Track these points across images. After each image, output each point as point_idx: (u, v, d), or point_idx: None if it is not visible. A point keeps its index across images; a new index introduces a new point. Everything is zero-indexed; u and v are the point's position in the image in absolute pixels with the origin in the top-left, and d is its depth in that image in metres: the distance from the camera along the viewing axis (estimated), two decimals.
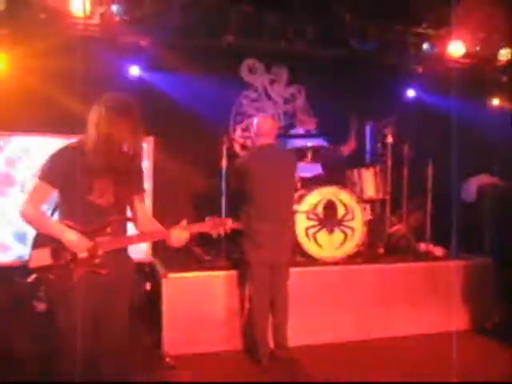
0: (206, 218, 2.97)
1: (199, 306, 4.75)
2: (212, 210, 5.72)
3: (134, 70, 6.30)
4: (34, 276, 2.86)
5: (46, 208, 2.87)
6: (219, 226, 2.96)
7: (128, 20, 5.87)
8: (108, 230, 2.80)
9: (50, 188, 2.77)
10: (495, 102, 7.66)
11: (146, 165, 4.79)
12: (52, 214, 2.87)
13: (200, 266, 5.10)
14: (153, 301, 5.03)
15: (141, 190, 3.03)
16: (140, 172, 3.00)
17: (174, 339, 4.66)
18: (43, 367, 3.14)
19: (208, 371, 4.37)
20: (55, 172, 2.75)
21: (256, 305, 4.51)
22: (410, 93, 7.61)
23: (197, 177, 6.25)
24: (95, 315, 2.83)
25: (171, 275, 4.71)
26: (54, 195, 2.80)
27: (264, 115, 6.31)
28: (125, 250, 2.95)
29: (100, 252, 2.76)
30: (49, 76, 5.63)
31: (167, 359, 4.47)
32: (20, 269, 4.92)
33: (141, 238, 3.01)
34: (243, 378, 4.32)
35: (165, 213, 5.50)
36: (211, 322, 4.78)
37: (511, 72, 7.25)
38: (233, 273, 4.88)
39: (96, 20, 5.77)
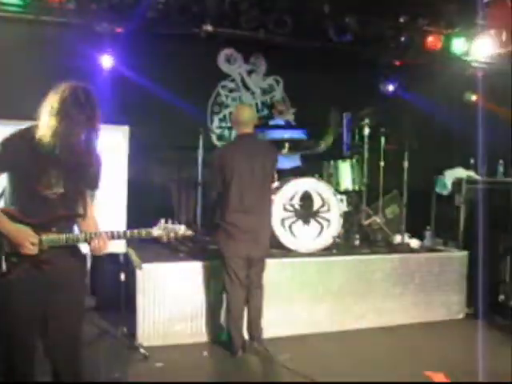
0: (158, 223, 2.79)
1: (174, 296, 4.71)
2: (188, 201, 5.74)
3: (109, 60, 6.16)
4: None
5: None
6: (170, 232, 2.79)
7: (105, 7, 5.79)
8: (55, 224, 2.69)
9: None
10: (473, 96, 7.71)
11: (121, 156, 4.72)
12: None
13: (175, 256, 5.06)
14: (127, 291, 4.98)
15: (93, 186, 2.85)
16: (94, 166, 2.78)
17: (149, 330, 4.63)
18: None
19: (181, 363, 4.34)
20: (4, 157, 2.63)
21: (231, 297, 4.49)
22: (388, 85, 7.61)
23: (173, 168, 6.18)
24: (42, 312, 2.71)
25: (146, 265, 4.67)
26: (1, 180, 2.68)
27: (242, 104, 6.26)
28: (73, 245, 2.80)
29: (45, 247, 2.64)
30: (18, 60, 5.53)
31: (141, 350, 4.44)
32: None
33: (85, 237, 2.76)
34: (216, 369, 4.31)
35: (140, 206, 5.52)
36: (186, 313, 4.75)
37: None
38: (208, 263, 4.85)
39: (72, 5, 5.68)
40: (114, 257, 4.81)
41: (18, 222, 2.62)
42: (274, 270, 4.91)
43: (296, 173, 5.69)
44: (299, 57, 6.82)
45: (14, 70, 5.56)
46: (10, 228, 2.60)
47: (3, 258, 2.60)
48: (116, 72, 6.15)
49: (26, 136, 2.63)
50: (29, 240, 2.61)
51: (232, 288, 4.47)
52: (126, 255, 5.10)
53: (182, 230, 2.82)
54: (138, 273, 4.64)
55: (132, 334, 4.66)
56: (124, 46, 6.05)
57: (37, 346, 2.75)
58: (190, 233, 2.87)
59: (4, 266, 2.60)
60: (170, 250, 5.28)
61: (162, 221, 2.80)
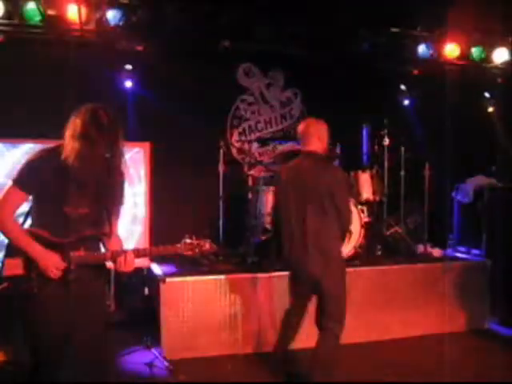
0: (183, 240, 2.86)
1: (197, 309, 4.76)
2: (212, 216, 5.76)
3: (129, 78, 6.22)
4: (4, 285, 2.73)
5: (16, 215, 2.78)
6: (195, 248, 2.85)
7: (124, 26, 5.89)
8: (82, 244, 2.76)
9: (25, 194, 2.71)
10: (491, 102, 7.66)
11: (142, 172, 4.80)
12: (24, 221, 2.82)
13: (198, 270, 5.11)
14: (151, 305, 5.04)
15: (117, 203, 2.90)
16: (118, 185, 2.86)
17: (173, 343, 4.67)
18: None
19: (206, 376, 4.38)
20: (31, 178, 2.69)
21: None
22: (405, 96, 7.59)
23: (194, 183, 6.23)
24: (67, 327, 2.76)
25: (169, 280, 4.73)
26: (28, 202, 2.75)
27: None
28: (99, 264, 2.87)
29: (72, 267, 2.72)
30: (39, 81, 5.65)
31: (166, 364, 4.48)
32: None
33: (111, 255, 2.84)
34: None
35: (163, 220, 5.58)
36: (209, 325, 4.79)
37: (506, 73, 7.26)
38: (231, 277, 4.89)
39: (92, 25, 5.80)
40: (138, 271, 4.89)
41: (47, 242, 2.70)
42: None
43: None
44: (317, 69, 6.86)
45: (34, 92, 5.67)
46: (38, 253, 2.67)
47: (34, 278, 2.68)
48: (136, 90, 6.25)
49: (51, 157, 2.71)
50: (55, 266, 2.69)
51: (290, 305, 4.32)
52: (149, 269, 5.18)
53: (206, 245, 2.88)
54: (162, 286, 4.69)
55: (156, 346, 4.71)
56: (144, 64, 6.15)
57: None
58: (214, 248, 2.92)
59: (35, 287, 2.68)
60: (193, 264, 5.32)
61: (187, 236, 2.86)
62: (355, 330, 5.14)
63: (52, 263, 2.69)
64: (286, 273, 4.91)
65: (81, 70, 5.49)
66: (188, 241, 2.85)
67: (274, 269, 5.07)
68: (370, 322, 5.23)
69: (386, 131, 6.22)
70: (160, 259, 5.18)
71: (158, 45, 6.09)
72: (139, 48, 6.16)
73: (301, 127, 4.20)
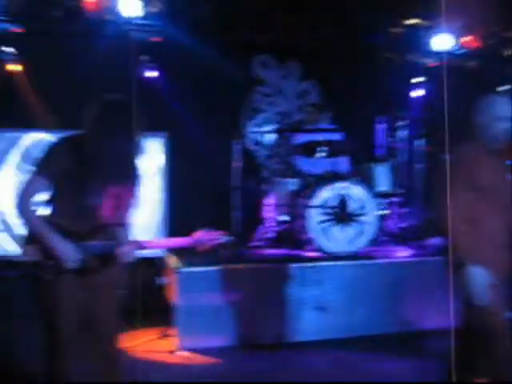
0: (197, 231, 2.87)
1: (211, 299, 4.76)
2: (227, 207, 5.76)
3: (146, 69, 6.27)
4: (24, 272, 2.83)
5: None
6: (209, 240, 2.87)
7: (141, 17, 5.90)
8: (99, 233, 2.78)
9: (45, 182, 2.71)
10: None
11: (158, 162, 4.81)
12: (43, 209, 2.81)
13: (213, 260, 5.12)
14: (165, 295, 5.07)
15: (133, 194, 2.92)
16: (135, 174, 2.89)
17: (187, 334, 4.69)
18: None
19: (218, 367, 4.38)
20: (51, 166, 2.70)
21: None
22: (421, 87, 7.50)
23: (210, 174, 6.24)
24: (82, 315, 2.82)
25: (183, 269, 4.74)
26: (47, 190, 2.76)
27: None
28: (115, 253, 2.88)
29: (89, 256, 2.74)
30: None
31: (179, 353, 4.50)
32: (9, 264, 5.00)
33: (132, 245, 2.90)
34: (254, 372, 4.33)
35: (178, 211, 5.60)
36: (225, 316, 4.80)
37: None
38: (247, 267, 4.89)
39: (108, 15, 5.82)
40: (152, 261, 4.91)
41: (65, 231, 2.71)
42: (310, 272, 4.94)
43: (334, 175, 5.67)
44: (334, 59, 6.81)
45: (54, 82, 5.73)
46: (56, 242, 2.68)
47: (51, 266, 2.69)
48: (154, 80, 6.27)
49: (71, 146, 2.73)
50: (72, 256, 2.71)
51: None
52: (164, 259, 5.20)
53: (221, 237, 2.89)
54: (177, 277, 4.71)
55: (171, 337, 4.74)
56: (161, 54, 6.16)
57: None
58: (229, 240, 2.93)
59: (51, 274, 2.70)
60: (208, 254, 5.32)
61: (201, 228, 2.87)
62: (371, 322, 5.13)
63: (69, 254, 2.72)
64: (301, 264, 4.98)
65: (100, 60, 5.53)
66: (202, 233, 2.87)
67: (289, 260, 5.07)
68: (385, 315, 5.17)
69: (403, 122, 6.16)
70: (175, 249, 5.20)
71: (175, 35, 6.09)
72: (156, 39, 6.18)
73: None
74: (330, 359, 4.49)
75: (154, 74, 6.29)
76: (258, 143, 6.72)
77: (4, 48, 5.79)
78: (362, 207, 5.42)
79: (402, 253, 5.63)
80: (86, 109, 2.71)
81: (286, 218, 5.69)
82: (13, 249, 5.49)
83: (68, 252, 2.70)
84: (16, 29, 5.89)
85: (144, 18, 5.86)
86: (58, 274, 2.71)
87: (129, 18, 5.78)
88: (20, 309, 4.25)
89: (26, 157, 5.54)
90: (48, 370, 2.85)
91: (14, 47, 5.90)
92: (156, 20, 6.01)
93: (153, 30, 6.15)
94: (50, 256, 2.69)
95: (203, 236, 2.86)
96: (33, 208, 2.74)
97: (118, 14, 5.77)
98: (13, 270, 4.99)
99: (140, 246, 2.87)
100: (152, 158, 4.66)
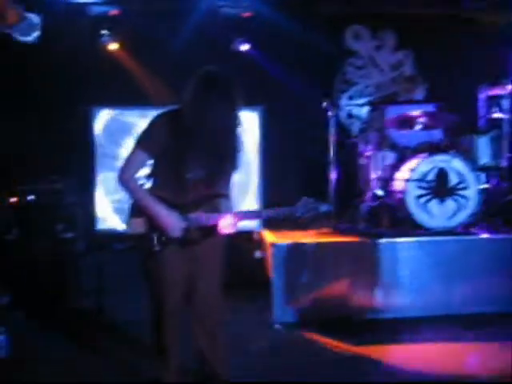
0: (300, 201, 2.82)
1: (308, 274, 4.76)
2: (321, 181, 5.73)
3: (242, 43, 6.32)
4: (129, 243, 2.92)
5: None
6: (311, 209, 2.81)
7: None
8: (200, 205, 2.82)
9: (147, 157, 2.78)
10: None
11: (255, 137, 4.83)
12: (146, 183, 2.90)
13: (308, 235, 5.11)
14: (263, 269, 5.11)
15: (234, 167, 2.91)
16: (235, 148, 2.85)
17: (283, 308, 4.72)
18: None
19: (314, 338, 4.38)
20: (153, 141, 2.76)
21: None
22: None
23: (304, 147, 6.20)
24: (188, 284, 2.90)
25: (280, 243, 4.76)
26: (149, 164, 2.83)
27: None
28: (215, 224, 2.91)
29: (192, 227, 2.80)
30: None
31: (276, 326, 4.54)
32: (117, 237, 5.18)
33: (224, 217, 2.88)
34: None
35: (272, 185, 5.62)
36: (323, 291, 4.78)
37: None
38: (344, 242, 4.85)
39: None
40: (248, 234, 4.97)
41: (169, 204, 2.78)
42: (408, 248, 4.82)
43: (431, 148, 5.46)
44: (430, 28, 6.52)
45: (158, 59, 5.89)
46: (161, 213, 2.76)
47: (155, 237, 2.79)
48: (248, 54, 6.29)
49: (172, 120, 2.77)
50: (177, 225, 2.78)
51: None
52: (260, 233, 5.25)
53: (324, 206, 2.85)
54: (273, 251, 4.74)
55: (267, 311, 4.77)
56: (256, 29, 6.17)
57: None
58: (331, 208, 2.90)
59: (156, 245, 2.79)
60: (305, 228, 5.32)
61: (304, 198, 2.85)
62: (471, 301, 4.95)
63: (174, 222, 2.78)
64: (398, 239, 4.87)
65: (198, 35, 5.63)
66: (305, 202, 2.84)
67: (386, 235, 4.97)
68: (484, 293, 4.95)
69: (505, 92, 5.81)
70: (270, 224, 5.24)
71: (268, 9, 6.07)
72: (248, 14, 6.19)
73: None
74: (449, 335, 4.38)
75: (246, 47, 6.30)
76: (351, 116, 6.59)
77: (103, 31, 6.01)
78: (463, 181, 5.19)
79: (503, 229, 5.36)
80: (187, 82, 2.73)
81: (382, 192, 5.56)
82: (118, 222, 5.75)
83: (173, 222, 2.77)
84: (113, 11, 6.12)
85: None
86: (164, 245, 2.79)
87: None
88: (128, 282, 4.45)
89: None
90: (155, 342, 2.96)
91: (111, 29, 6.09)
92: None
93: (243, 6, 6.17)
94: (155, 227, 2.78)
95: (306, 204, 2.83)
96: (137, 181, 2.83)
97: None
98: (120, 243, 5.23)
99: (242, 217, 2.89)
100: (249, 131, 4.67)
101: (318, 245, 4.85)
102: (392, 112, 5.90)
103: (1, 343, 3.87)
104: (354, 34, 6.92)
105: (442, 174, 5.17)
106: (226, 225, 2.83)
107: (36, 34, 5.66)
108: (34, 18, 5.57)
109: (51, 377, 3.66)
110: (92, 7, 5.92)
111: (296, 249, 4.79)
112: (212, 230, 2.89)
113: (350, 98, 6.90)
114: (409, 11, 6.40)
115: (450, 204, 5.18)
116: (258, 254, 4.77)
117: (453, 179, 5.18)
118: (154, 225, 2.77)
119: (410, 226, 5.16)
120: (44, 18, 5.57)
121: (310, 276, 4.76)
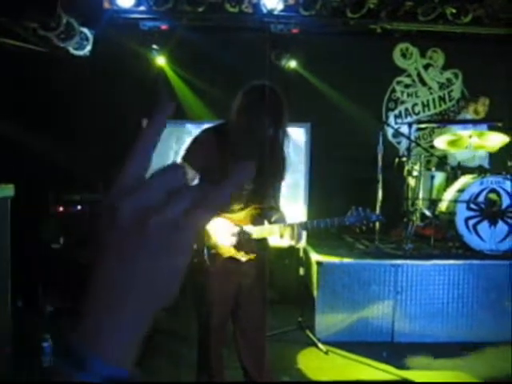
0: (351, 210, 2.82)
1: (352, 292, 4.68)
2: (368, 199, 5.66)
3: (288, 60, 6.32)
4: None
5: None
6: (363, 219, 2.80)
7: (280, 9, 5.94)
8: (249, 218, 2.80)
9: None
10: None
11: (302, 152, 4.82)
12: None
13: (352, 253, 5.04)
14: (306, 286, 5.05)
15: (280, 179, 2.94)
16: (280, 159, 2.88)
17: (327, 325, 4.65)
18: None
19: (358, 359, 4.30)
20: (197, 154, 2.76)
21: None
22: None
23: (352, 164, 6.14)
24: (235, 299, 2.87)
25: (325, 261, 4.70)
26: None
27: None
28: (264, 238, 2.90)
29: (243, 241, 2.77)
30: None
31: (320, 345, 4.47)
32: None
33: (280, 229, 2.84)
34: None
35: (319, 202, 5.58)
36: (365, 311, 4.69)
37: None
38: (384, 262, 4.76)
39: (249, 9, 5.94)
40: (292, 251, 4.92)
41: (218, 217, 2.74)
42: (457, 271, 4.69)
43: (481, 169, 5.34)
44: (480, 47, 6.41)
45: (207, 74, 5.96)
46: (212, 226, 2.72)
47: (205, 250, 2.76)
48: (295, 71, 6.30)
49: (217, 133, 2.79)
50: (229, 230, 2.76)
51: None
52: (304, 250, 5.19)
53: (374, 215, 2.82)
54: (318, 268, 4.68)
55: (311, 329, 4.71)
56: (302, 47, 6.17)
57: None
58: (382, 218, 2.87)
59: (207, 260, 2.76)
60: (347, 247, 5.28)
61: (353, 207, 2.82)
62: None
63: (227, 228, 2.76)
64: (445, 261, 4.74)
65: (241, 52, 5.68)
66: (355, 211, 2.81)
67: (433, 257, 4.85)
68: None
69: None
70: (313, 241, 5.20)
71: (314, 26, 6.07)
72: (295, 30, 6.20)
73: None
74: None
75: (294, 64, 6.31)
76: (399, 135, 6.50)
77: (154, 46, 6.11)
78: None
79: None
80: (234, 97, 2.74)
81: (429, 212, 5.45)
82: None
83: (224, 235, 2.75)
84: (163, 26, 6.22)
85: (282, 10, 5.90)
86: (215, 260, 2.77)
87: (269, 11, 5.85)
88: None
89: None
90: (198, 357, 2.94)
91: (161, 43, 6.18)
92: (294, 11, 6.03)
93: (292, 22, 6.18)
94: (205, 241, 2.77)
95: (357, 214, 2.81)
96: None
97: (257, 7, 5.88)
98: None
99: (306, 227, 2.85)
100: (296, 147, 4.66)
101: (363, 265, 4.78)
102: (441, 131, 5.81)
103: (45, 350, 3.88)
104: (402, 52, 6.85)
105: (493, 196, 5.04)
106: (285, 236, 2.78)
107: (88, 47, 5.83)
108: (88, 32, 5.74)
109: None
110: (144, 22, 6.02)
111: (342, 268, 4.73)
112: (261, 243, 2.88)
113: (398, 116, 6.81)
114: (459, 30, 6.30)
115: (501, 226, 5.05)
116: (301, 270, 4.72)
117: (504, 201, 5.05)
118: (204, 239, 2.76)
119: (459, 248, 5.04)
120: (97, 32, 5.74)
121: (354, 295, 4.68)
